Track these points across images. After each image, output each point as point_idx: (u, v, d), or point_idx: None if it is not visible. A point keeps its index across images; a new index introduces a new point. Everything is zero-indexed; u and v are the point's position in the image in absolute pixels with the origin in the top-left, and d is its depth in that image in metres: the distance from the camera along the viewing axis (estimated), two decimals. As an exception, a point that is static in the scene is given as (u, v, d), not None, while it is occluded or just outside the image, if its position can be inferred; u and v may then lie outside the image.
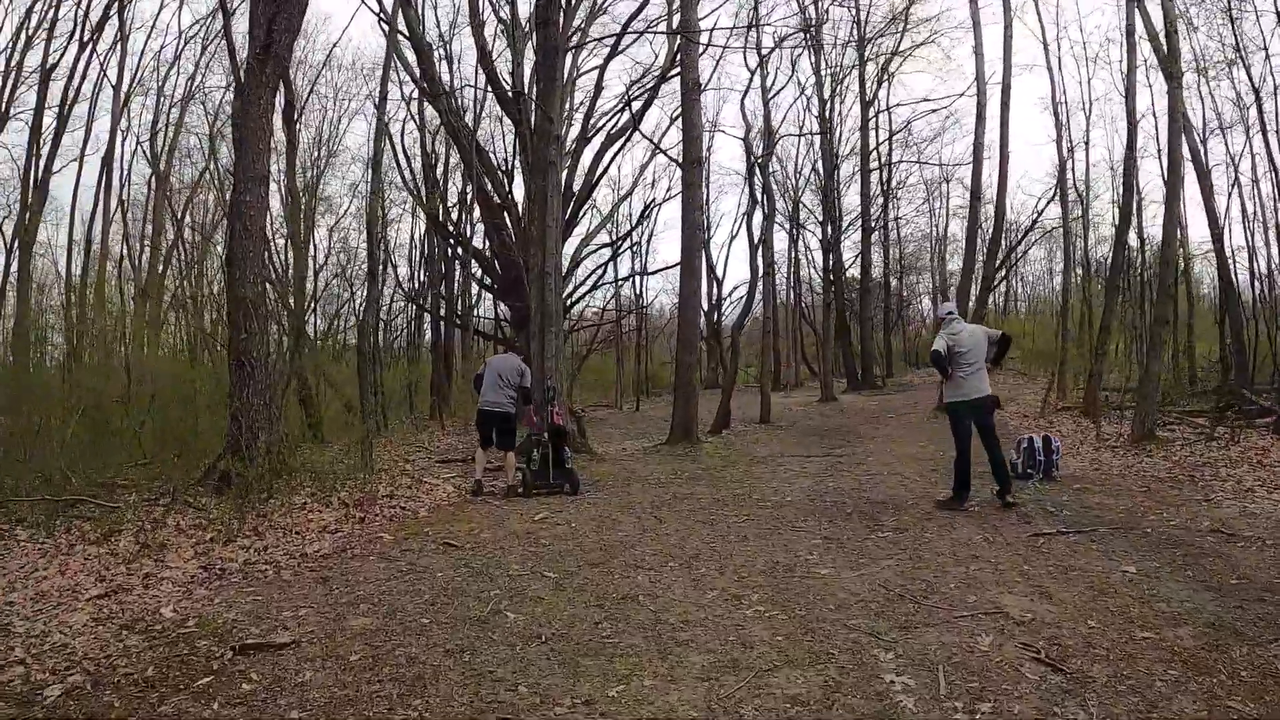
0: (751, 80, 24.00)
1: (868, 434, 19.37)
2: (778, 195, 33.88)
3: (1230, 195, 22.98)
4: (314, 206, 28.71)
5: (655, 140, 26.91)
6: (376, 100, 13.69)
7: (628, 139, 24.96)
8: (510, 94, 21.80)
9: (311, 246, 28.48)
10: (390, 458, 15.71)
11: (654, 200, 33.25)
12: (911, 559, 7.54)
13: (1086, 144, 26.58)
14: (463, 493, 12.24)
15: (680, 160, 18.91)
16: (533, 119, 15.98)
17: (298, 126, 22.70)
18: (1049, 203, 28.39)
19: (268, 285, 22.20)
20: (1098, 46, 45.07)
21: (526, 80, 24.55)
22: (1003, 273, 27.79)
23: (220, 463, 10.77)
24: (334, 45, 30.43)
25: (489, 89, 22.75)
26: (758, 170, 25.10)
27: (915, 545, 8.11)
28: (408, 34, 20.57)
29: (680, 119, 18.42)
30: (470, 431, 16.28)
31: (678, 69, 24.16)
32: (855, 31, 31.87)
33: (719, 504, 10.90)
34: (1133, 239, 22.56)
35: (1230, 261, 21.90)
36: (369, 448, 13.08)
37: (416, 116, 25.47)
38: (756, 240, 28.25)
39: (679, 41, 23.60)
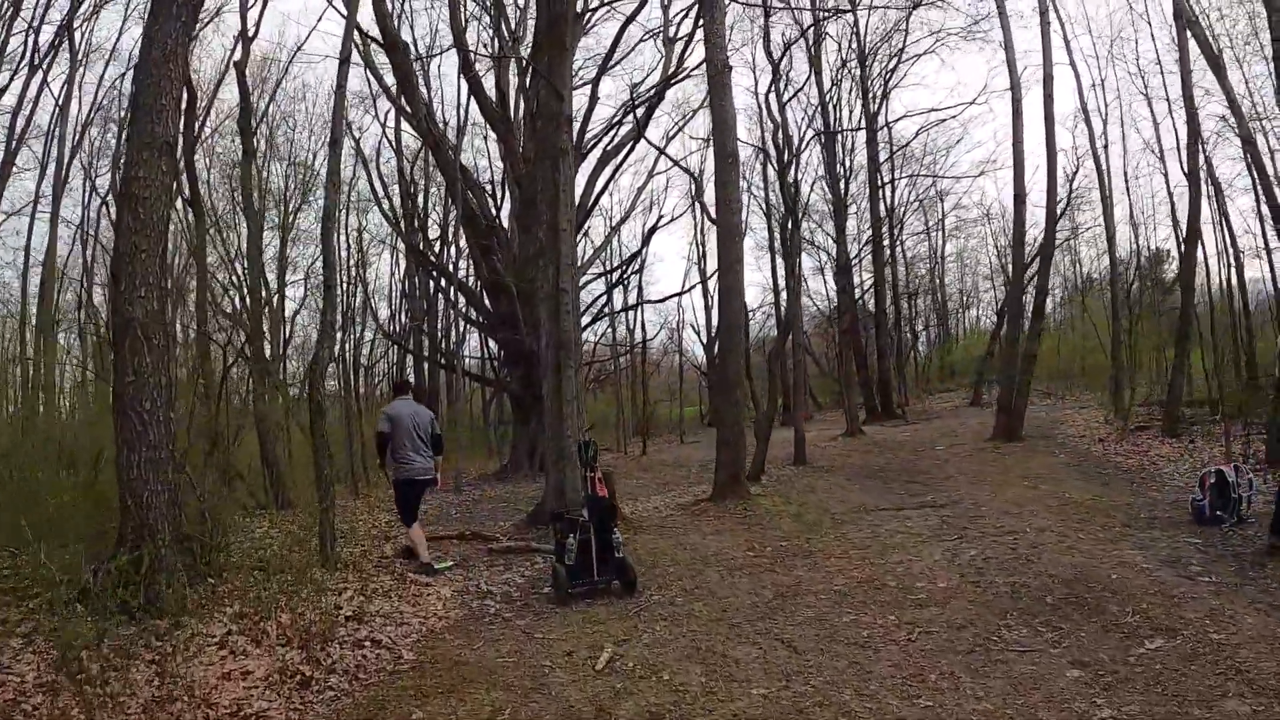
0: (777, 75, 20.10)
1: (938, 473, 15.36)
2: (774, 214, 30.16)
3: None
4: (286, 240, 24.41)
5: (659, 153, 22.97)
6: (335, 85, 9.54)
7: (630, 151, 21.06)
8: (496, 102, 18.01)
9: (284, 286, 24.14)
10: (366, 529, 11.88)
11: (660, 218, 29.24)
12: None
13: (1106, 146, 22.87)
14: (467, 597, 8.01)
15: (707, 162, 14.90)
16: (535, 104, 12.00)
17: (255, 138, 18.56)
18: (1064, 211, 24.59)
19: (216, 319, 18.06)
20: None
21: (513, 88, 20.96)
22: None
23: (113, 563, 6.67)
24: (298, 47, 26.03)
25: (471, 98, 18.97)
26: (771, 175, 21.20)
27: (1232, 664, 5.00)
28: (379, 33, 16.68)
29: (709, 107, 14.45)
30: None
31: (683, 73, 20.61)
32: (855, 43, 28.48)
33: (849, 602, 7.07)
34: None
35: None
36: (329, 532, 8.83)
37: (393, 141, 21.36)
38: (780, 256, 24.29)
39: (691, 33, 20.15)
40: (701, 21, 18.37)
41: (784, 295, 31.66)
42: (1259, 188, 17.12)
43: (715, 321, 39.41)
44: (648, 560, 9.08)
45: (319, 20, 41.89)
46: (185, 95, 16.26)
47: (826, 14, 24.14)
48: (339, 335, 16.33)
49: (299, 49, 23.35)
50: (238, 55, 16.22)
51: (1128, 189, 26.22)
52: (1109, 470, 14.15)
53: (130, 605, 6.27)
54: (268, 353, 18.69)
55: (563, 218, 10.99)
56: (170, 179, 7.55)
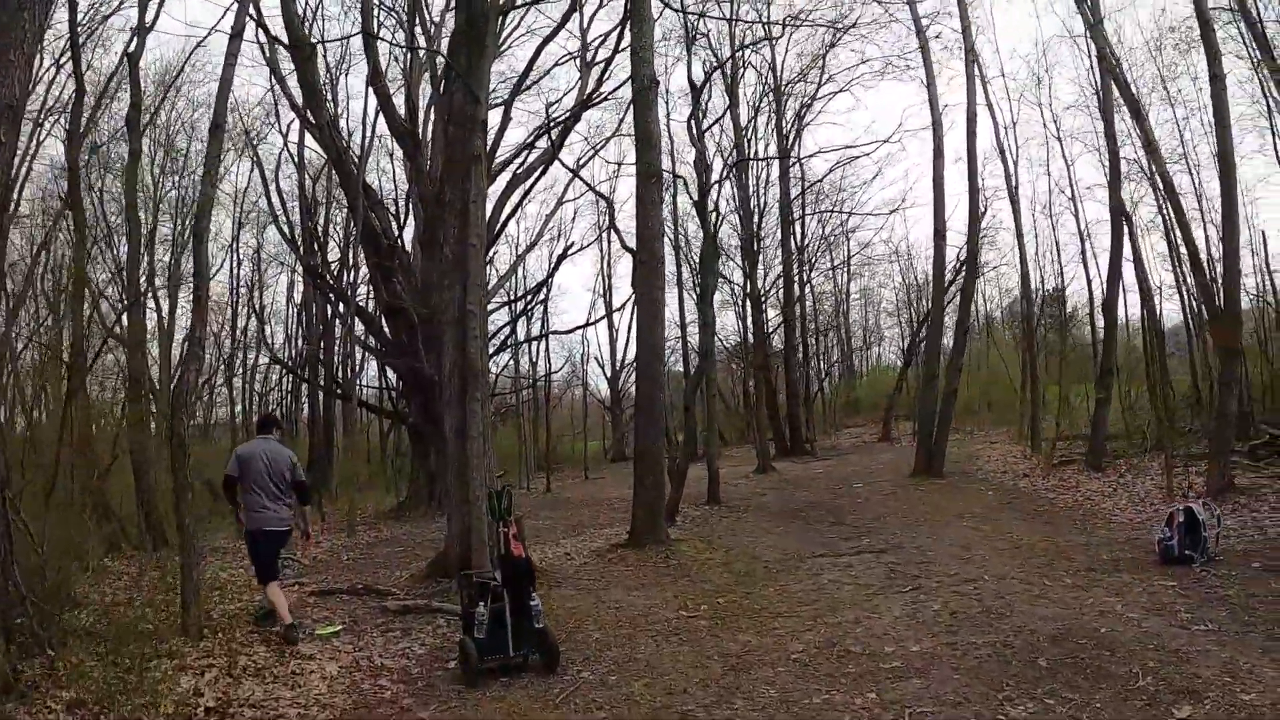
0: (697, 102, 19.17)
1: (866, 513, 14.50)
2: (684, 249, 29.37)
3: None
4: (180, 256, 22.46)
5: (572, 177, 21.84)
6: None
7: (542, 174, 19.87)
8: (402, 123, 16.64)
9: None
10: (246, 579, 10.09)
11: (571, 246, 27.94)
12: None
13: (1017, 186, 22.74)
14: (358, 675, 6.56)
15: (619, 189, 13.79)
16: (449, 111, 10.77)
17: (142, 132, 16.82)
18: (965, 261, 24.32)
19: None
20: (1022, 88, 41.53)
21: (422, 107, 19.67)
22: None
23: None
24: (199, 43, 23.88)
25: (379, 113, 17.58)
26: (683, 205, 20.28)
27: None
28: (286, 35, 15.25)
29: (633, 124, 13.37)
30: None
31: (602, 95, 19.63)
32: (772, 77, 27.96)
33: (814, 675, 6.03)
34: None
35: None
36: (193, 590, 7.30)
37: (295, 155, 19.69)
38: (691, 290, 23.31)
39: (610, 56, 19.15)
40: (624, 42, 17.55)
41: (689, 329, 31.02)
42: (1174, 226, 16.96)
43: (621, 355, 38.77)
44: (567, 624, 7.78)
45: (224, 14, 39.10)
46: (75, 89, 14.82)
47: (745, 46, 23.56)
48: (235, 360, 14.65)
49: (199, 44, 21.49)
50: (133, 47, 14.60)
51: (1035, 229, 26.17)
52: (1045, 507, 13.66)
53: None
54: (154, 375, 16.82)
55: (472, 232, 9.66)
56: (9, 153, 6.07)
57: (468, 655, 6.24)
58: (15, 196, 14.18)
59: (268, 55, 18.18)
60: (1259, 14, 14.20)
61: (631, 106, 13.01)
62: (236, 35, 8.31)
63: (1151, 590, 7.67)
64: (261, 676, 6.32)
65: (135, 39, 14.75)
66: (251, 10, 14.32)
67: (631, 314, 36.55)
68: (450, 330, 10.29)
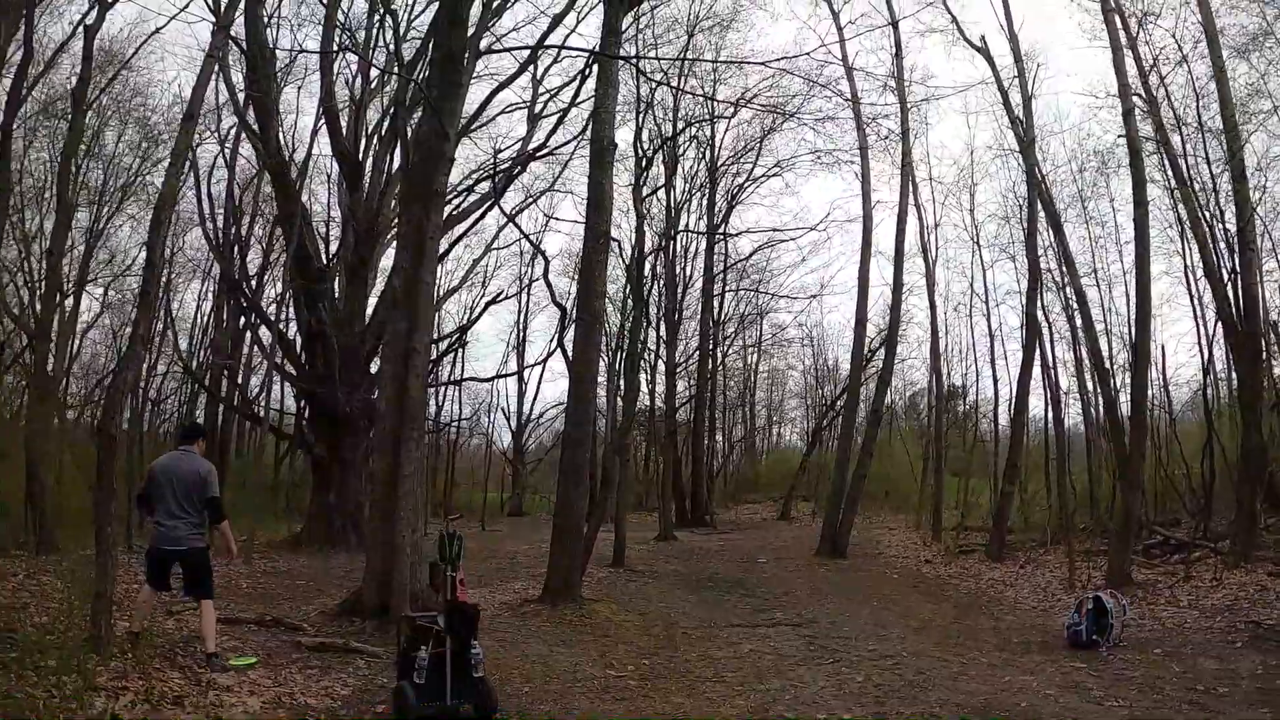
0: (641, 170, 19.39)
1: (775, 587, 14.72)
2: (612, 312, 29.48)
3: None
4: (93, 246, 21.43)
5: (506, 223, 21.81)
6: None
7: (479, 218, 19.81)
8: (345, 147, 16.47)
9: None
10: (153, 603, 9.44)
11: (500, 294, 27.63)
12: None
13: (933, 284, 23.72)
14: (281, 712, 6.25)
15: (546, 244, 13.80)
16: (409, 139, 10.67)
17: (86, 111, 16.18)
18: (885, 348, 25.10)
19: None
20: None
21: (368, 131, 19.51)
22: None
23: None
24: (158, 29, 23.25)
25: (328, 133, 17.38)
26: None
27: None
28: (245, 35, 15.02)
29: (586, 184, 13.34)
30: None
31: (549, 149, 19.76)
32: (709, 155, 28.60)
33: None
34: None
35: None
36: (107, 605, 6.87)
37: (229, 159, 19.11)
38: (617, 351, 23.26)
39: (565, 111, 19.27)
40: (579, 98, 17.75)
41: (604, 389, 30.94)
42: (1081, 336, 17.82)
43: (529, 410, 38.45)
44: (493, 675, 7.55)
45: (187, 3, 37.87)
46: (23, 53, 14.20)
47: (691, 123, 24.08)
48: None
49: (157, 31, 20.82)
50: (90, 19, 14.12)
51: (947, 326, 27.24)
52: (950, 592, 14.13)
53: None
54: (50, 366, 15.97)
55: (425, 269, 9.57)
56: None
57: (404, 700, 5.98)
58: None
59: (219, 55, 17.79)
60: (1180, 145, 15.25)
61: (589, 166, 13.06)
62: (222, 29, 8.16)
63: (1064, 670, 8.11)
64: (180, 705, 5.94)
65: (96, 11, 14.33)
66: (208, 5, 14.16)
67: (543, 370, 36.57)
68: (390, 365, 10.07)
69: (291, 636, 8.77)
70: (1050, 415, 19.79)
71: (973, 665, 8.33)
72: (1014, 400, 18.82)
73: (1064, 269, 17.89)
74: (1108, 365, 16.86)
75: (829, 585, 14.76)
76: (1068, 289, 17.92)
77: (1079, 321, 17.58)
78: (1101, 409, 17.33)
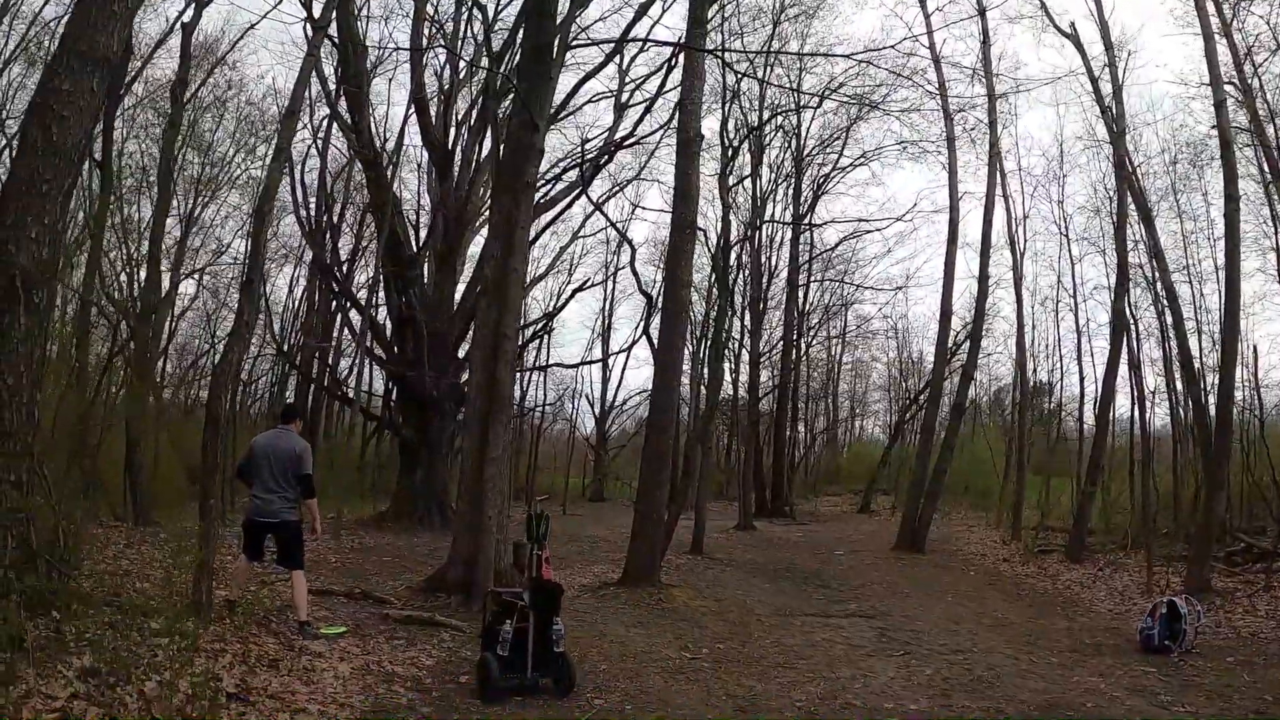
0: (728, 160, 19.54)
1: (851, 579, 14.73)
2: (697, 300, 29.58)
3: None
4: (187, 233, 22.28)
5: (593, 211, 22.11)
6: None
7: (568, 206, 20.18)
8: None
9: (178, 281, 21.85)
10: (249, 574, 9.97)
11: (585, 282, 28.09)
12: None
13: (1021, 279, 23.25)
14: (370, 679, 6.60)
15: (633, 233, 14.04)
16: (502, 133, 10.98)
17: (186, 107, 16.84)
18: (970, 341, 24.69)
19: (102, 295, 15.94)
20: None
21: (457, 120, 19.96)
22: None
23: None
24: (251, 26, 23.71)
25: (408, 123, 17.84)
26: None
27: None
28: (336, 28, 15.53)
29: (674, 174, 13.62)
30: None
31: (637, 138, 19.99)
32: (794, 144, 28.44)
33: None
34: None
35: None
36: (208, 573, 7.32)
37: (320, 149, 19.75)
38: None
39: (652, 99, 19.50)
40: (665, 88, 17.92)
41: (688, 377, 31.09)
42: (1171, 334, 17.34)
43: (612, 397, 38.86)
44: (571, 652, 7.84)
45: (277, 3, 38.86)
46: (124, 48, 14.83)
47: (776, 113, 24.02)
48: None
49: (251, 27, 21.61)
50: (187, 17, 14.74)
51: (1034, 321, 26.63)
52: (1026, 591, 13.98)
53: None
54: (147, 348, 16.75)
55: (516, 258, 9.90)
56: (99, 103, 6.11)
57: (488, 672, 6.30)
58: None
59: (316, 54, 18.37)
60: (1275, 138, 14.72)
61: (676, 157, 13.25)
62: (320, 28, 8.53)
63: (1133, 674, 7.99)
64: (276, 669, 6.34)
65: (193, 8, 14.89)
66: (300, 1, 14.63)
67: (627, 357, 36.88)
68: (480, 351, 10.45)
69: (379, 609, 9.23)
70: (1136, 415, 19.29)
71: (1042, 664, 8.32)
72: (1099, 398, 18.35)
73: (1154, 264, 17.37)
74: (1198, 365, 16.35)
75: (905, 579, 14.71)
76: (1158, 285, 17.40)
77: (1169, 319, 17.01)
78: (1190, 410, 16.87)
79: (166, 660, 5.65)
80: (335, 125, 18.57)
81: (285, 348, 24.76)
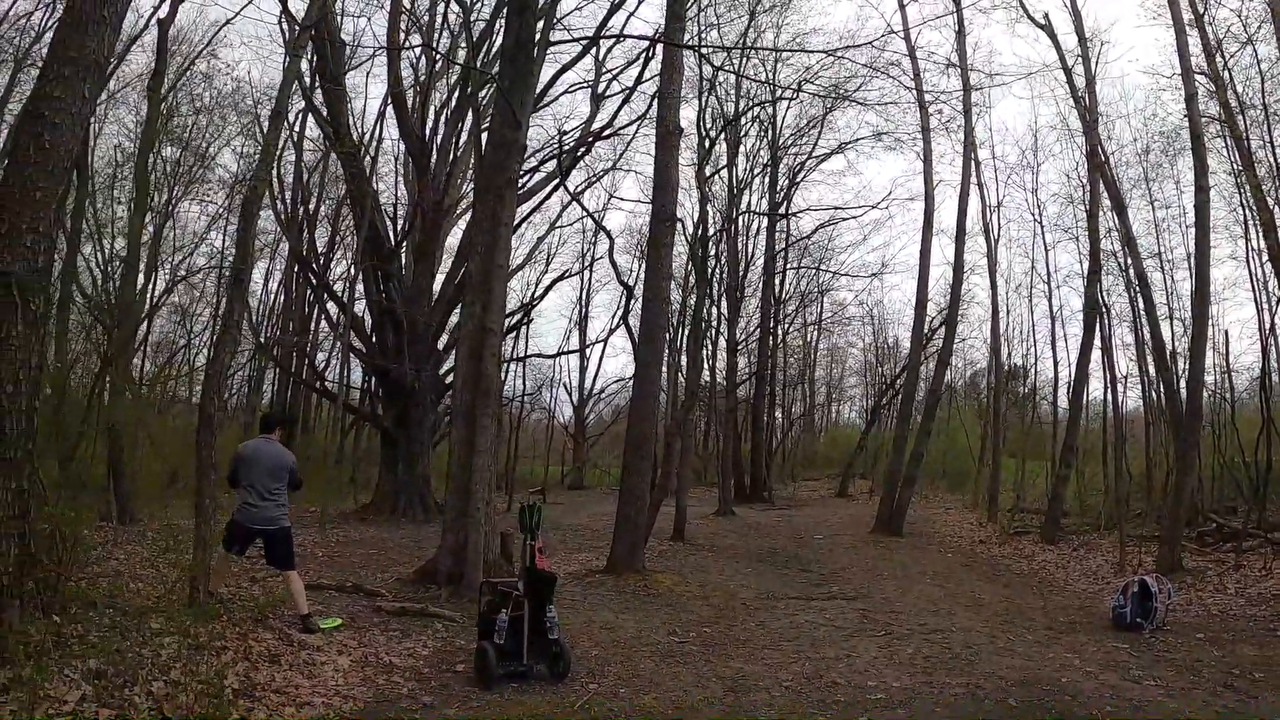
0: (705, 151, 19.70)
1: (830, 562, 15.06)
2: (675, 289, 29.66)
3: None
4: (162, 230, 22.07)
5: (570, 201, 22.19)
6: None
7: (546, 199, 20.27)
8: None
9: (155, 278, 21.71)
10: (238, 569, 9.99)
11: (565, 272, 28.19)
12: None
13: (995, 265, 23.52)
14: (369, 670, 6.76)
15: (610, 223, 14.17)
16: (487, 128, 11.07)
17: (163, 104, 16.73)
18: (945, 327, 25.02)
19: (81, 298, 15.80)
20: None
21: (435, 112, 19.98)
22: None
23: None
24: (229, 20, 23.05)
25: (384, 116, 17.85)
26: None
27: None
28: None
29: (653, 167, 13.68)
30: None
31: (614, 129, 20.06)
32: (770, 134, 28.63)
33: (807, 702, 6.44)
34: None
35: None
36: (204, 567, 7.43)
37: (296, 141, 19.68)
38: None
39: (629, 90, 19.54)
40: (644, 78, 18.00)
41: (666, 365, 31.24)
42: (1143, 320, 17.68)
43: (590, 385, 39.01)
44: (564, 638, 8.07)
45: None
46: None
47: (753, 105, 24.18)
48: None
49: (228, 22, 21.40)
50: (163, 12, 14.66)
51: (1008, 307, 27.01)
52: (1003, 572, 14.33)
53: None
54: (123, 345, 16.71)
55: (500, 253, 10.04)
56: (90, 109, 6.16)
57: (486, 660, 6.49)
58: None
59: (288, 40, 18.20)
60: (1246, 129, 15.05)
61: (654, 149, 13.42)
62: (308, 28, 8.60)
63: (1106, 650, 8.33)
64: (277, 663, 6.45)
65: (169, 4, 14.78)
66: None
67: (604, 345, 37.02)
68: (465, 345, 10.58)
69: (371, 601, 9.34)
70: (1109, 398, 19.71)
71: (1019, 642, 8.60)
72: (1072, 382, 18.74)
73: (1126, 251, 17.74)
74: (1169, 349, 16.74)
75: (884, 562, 15.04)
76: (1130, 271, 17.75)
77: (1141, 305, 17.40)
78: (1161, 393, 17.24)
79: (170, 660, 5.74)
80: (311, 119, 18.56)
81: (263, 341, 24.70)
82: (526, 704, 6.08)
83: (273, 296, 28.56)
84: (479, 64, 15.52)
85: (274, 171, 18.67)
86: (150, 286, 21.79)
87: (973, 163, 20.23)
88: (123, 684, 5.21)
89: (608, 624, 9.06)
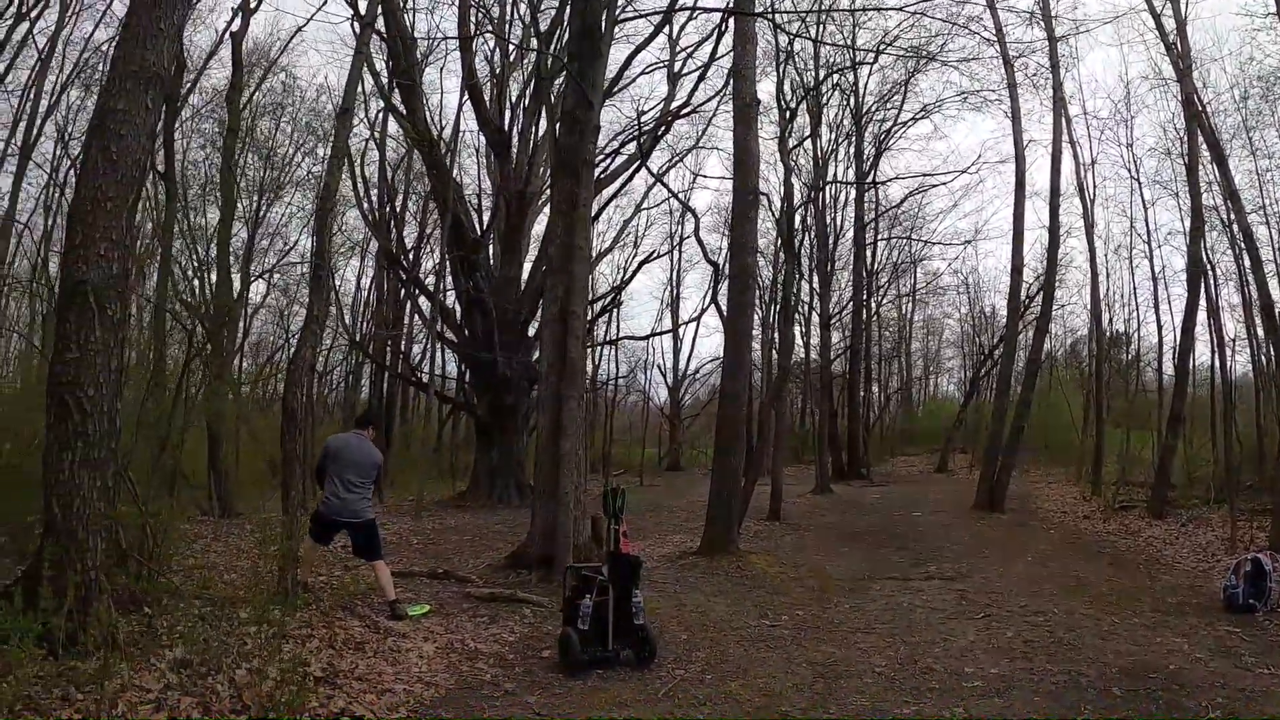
0: (786, 122, 19.32)
1: (930, 541, 14.55)
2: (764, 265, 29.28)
3: None
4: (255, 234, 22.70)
5: (654, 183, 22.03)
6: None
7: (628, 180, 20.14)
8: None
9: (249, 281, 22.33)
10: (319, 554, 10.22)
11: (652, 254, 28.11)
12: None
13: (1092, 226, 22.44)
14: (454, 657, 6.76)
15: (695, 202, 13.90)
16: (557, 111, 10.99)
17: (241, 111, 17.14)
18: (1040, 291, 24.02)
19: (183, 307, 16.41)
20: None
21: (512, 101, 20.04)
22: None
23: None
24: (299, 28, 23.44)
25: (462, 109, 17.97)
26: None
27: None
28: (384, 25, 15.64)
29: (731, 142, 13.46)
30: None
31: (692, 107, 19.83)
32: (853, 102, 27.79)
33: (900, 689, 6.20)
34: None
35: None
36: (293, 561, 7.53)
37: (378, 141, 19.98)
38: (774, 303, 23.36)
39: (704, 68, 19.31)
40: (718, 55, 17.71)
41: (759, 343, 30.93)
42: (1249, 279, 16.63)
43: (684, 366, 38.84)
44: (652, 622, 7.92)
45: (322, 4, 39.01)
46: (176, 62, 15.16)
47: (833, 72, 23.58)
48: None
49: (299, 30, 21.92)
50: (235, 27, 15.02)
51: (1107, 270, 25.80)
52: (1108, 550, 13.63)
53: (54, 633, 4.99)
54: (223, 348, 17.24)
55: (579, 235, 9.94)
56: (155, 119, 6.25)
57: (569, 646, 6.41)
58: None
59: (365, 50, 18.53)
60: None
61: (733, 124, 13.11)
62: (368, 25, 8.61)
63: (1217, 634, 7.83)
64: (362, 651, 6.51)
65: (240, 19, 15.14)
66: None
67: (697, 325, 36.78)
68: (549, 329, 10.52)
69: (461, 588, 9.40)
70: (1217, 364, 18.60)
71: (1124, 625, 8.12)
72: (1178, 348, 17.72)
73: (1229, 205, 16.63)
74: (1279, 310, 15.72)
75: (984, 540, 14.50)
76: (1234, 227, 16.68)
77: (1246, 262, 16.37)
78: (1272, 357, 16.22)
79: (255, 648, 5.84)
80: (391, 118, 18.78)
81: (358, 338, 25.20)
82: (609, 691, 5.98)
83: (365, 294, 29.15)
84: (552, 50, 15.40)
85: (359, 172, 19.01)
86: (245, 290, 22.48)
87: (1063, 119, 19.26)
88: (206, 672, 5.31)
89: (698, 607, 8.90)
